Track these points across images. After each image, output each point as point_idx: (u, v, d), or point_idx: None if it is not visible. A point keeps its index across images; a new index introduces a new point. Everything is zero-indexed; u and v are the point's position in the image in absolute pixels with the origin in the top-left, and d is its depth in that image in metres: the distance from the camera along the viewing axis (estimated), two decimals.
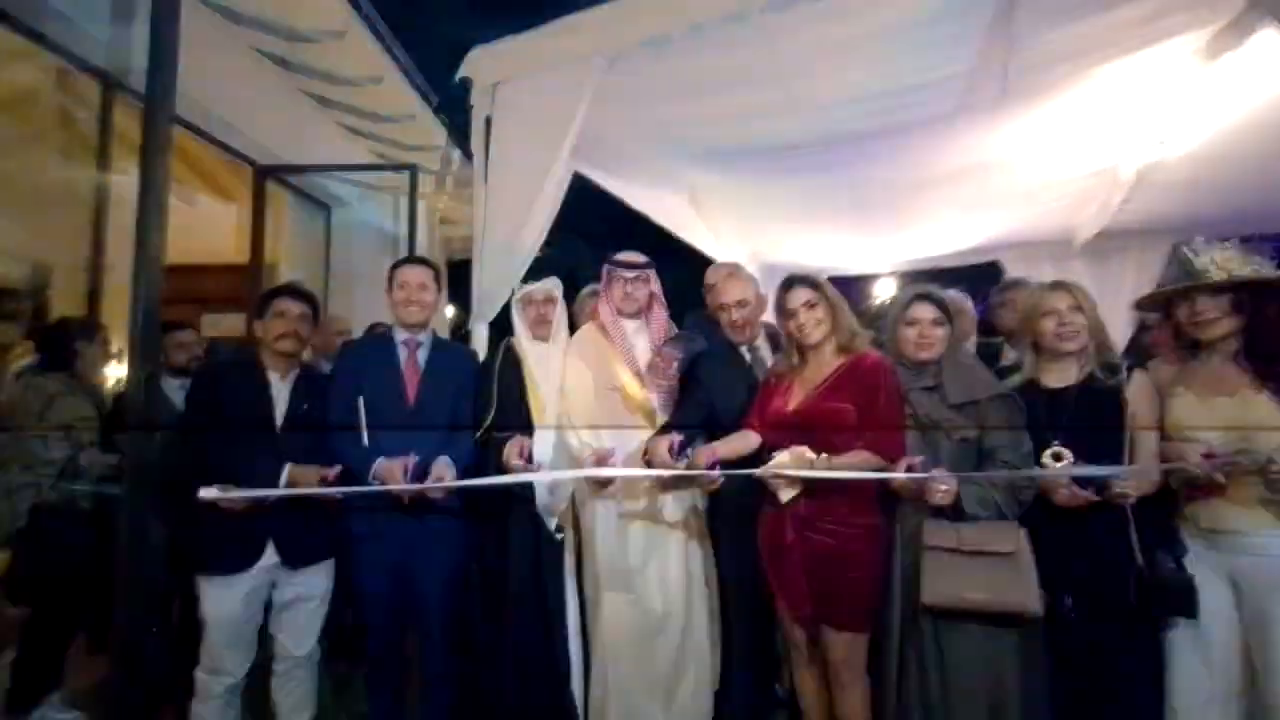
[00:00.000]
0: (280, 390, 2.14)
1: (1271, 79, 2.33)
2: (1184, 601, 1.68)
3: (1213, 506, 1.70)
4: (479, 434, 2.19)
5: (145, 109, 1.64)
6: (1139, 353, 2.65)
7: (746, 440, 2.02)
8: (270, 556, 2.07)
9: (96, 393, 2.68)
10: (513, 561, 2.17)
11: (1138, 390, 1.80)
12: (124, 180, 3.11)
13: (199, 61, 3.30)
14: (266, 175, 4.01)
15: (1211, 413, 1.71)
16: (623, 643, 2.18)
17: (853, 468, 1.80)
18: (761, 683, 2.39)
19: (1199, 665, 1.70)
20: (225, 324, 4.82)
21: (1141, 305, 2.01)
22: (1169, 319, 1.88)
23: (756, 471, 1.83)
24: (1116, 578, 1.72)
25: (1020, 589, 1.68)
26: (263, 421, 2.09)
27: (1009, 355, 2.70)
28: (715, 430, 2.12)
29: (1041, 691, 1.77)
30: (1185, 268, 1.78)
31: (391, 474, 1.99)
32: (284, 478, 2.01)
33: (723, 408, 2.19)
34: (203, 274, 5.31)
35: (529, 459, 2.07)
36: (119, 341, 2.83)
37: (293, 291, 2.22)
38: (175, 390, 2.66)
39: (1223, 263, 1.73)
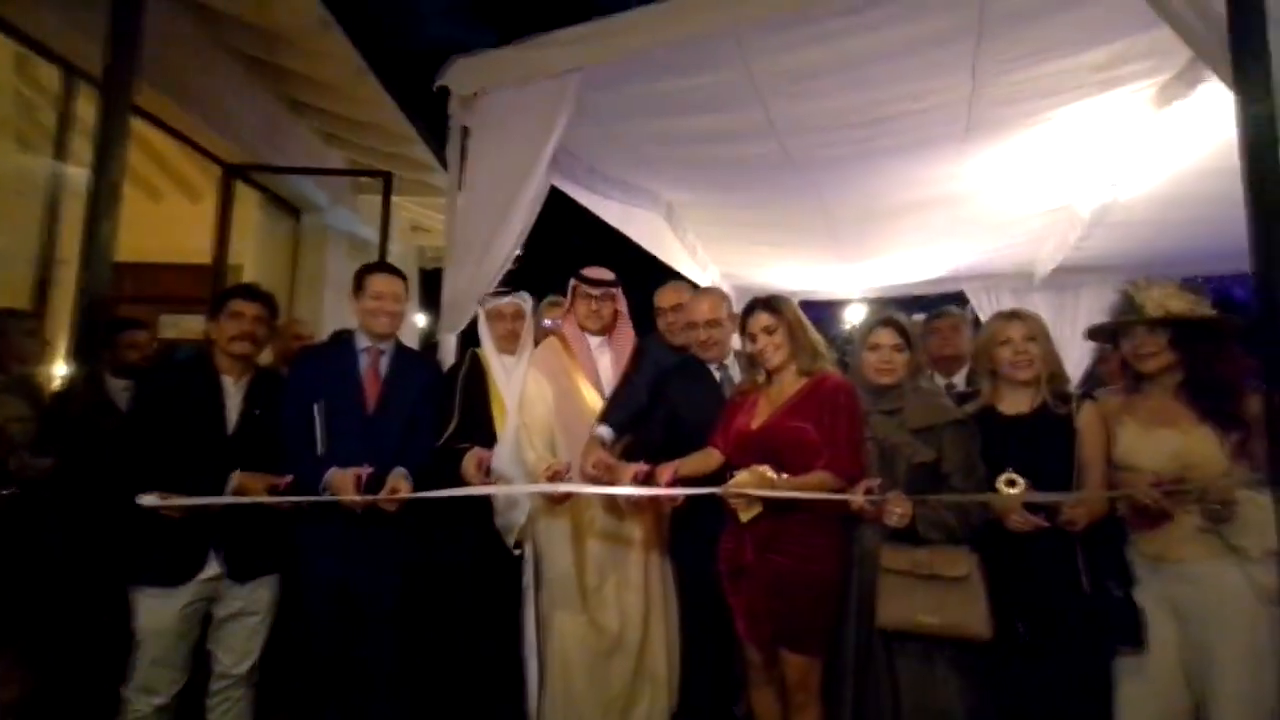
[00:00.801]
0: (233, 394, 2.06)
1: (1216, 127, 2.46)
2: (1131, 631, 1.71)
3: (1156, 536, 1.74)
4: (440, 443, 2.14)
5: (103, 95, 1.58)
6: (1095, 382, 2.74)
7: (709, 459, 2.02)
8: (213, 568, 1.97)
9: (33, 391, 2.54)
10: (469, 577, 2.11)
11: (1086, 420, 1.85)
12: (83, 172, 3.00)
13: (170, 57, 3.25)
14: (235, 175, 3.92)
15: (1154, 443, 1.77)
16: (577, 661, 2.14)
17: (812, 488, 1.81)
18: (720, 704, 2.36)
19: (1145, 692, 1.72)
20: (184, 325, 4.66)
21: (1092, 336, 2.08)
22: (1116, 350, 1.95)
23: (717, 490, 1.82)
24: (1066, 605, 1.75)
25: (971, 614, 1.70)
26: (212, 426, 2.01)
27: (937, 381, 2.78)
28: (683, 447, 2.11)
29: (988, 713, 1.79)
30: (1128, 303, 1.86)
31: (344, 485, 1.92)
32: (231, 485, 1.93)
33: (690, 426, 2.18)
34: (165, 273, 5.15)
35: (487, 472, 2.02)
36: (65, 337, 2.71)
37: (249, 292, 2.14)
38: (120, 392, 2.54)
39: (1162, 299, 1.80)
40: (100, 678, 2.06)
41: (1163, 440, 1.76)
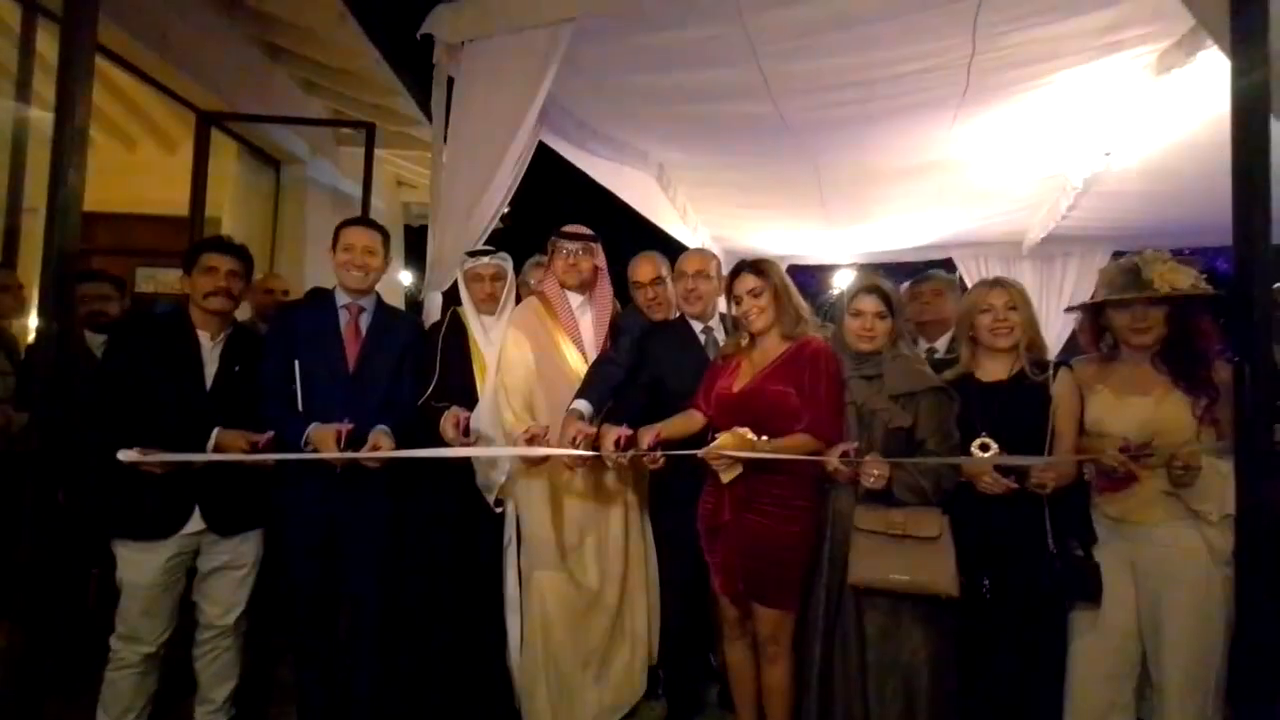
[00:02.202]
0: (210, 350, 2.03)
1: (1212, 99, 2.44)
2: (1089, 586, 1.79)
3: (1119, 498, 1.81)
4: (420, 402, 2.13)
5: (63, 32, 1.50)
6: (1075, 351, 2.77)
7: (690, 421, 2.04)
8: (197, 523, 1.99)
9: (10, 344, 2.50)
10: (449, 533, 2.14)
11: (1060, 386, 1.90)
12: (49, 116, 2.88)
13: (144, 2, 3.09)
14: (211, 124, 3.78)
15: (1126, 410, 1.82)
16: (557, 617, 2.19)
17: (792, 450, 1.84)
18: (696, 655, 2.44)
19: (1099, 644, 1.82)
20: (161, 279, 4.57)
21: (1084, 308, 2.09)
22: (1094, 322, 1.98)
23: (699, 452, 1.84)
24: (1030, 563, 1.82)
25: (940, 571, 1.77)
26: (190, 383, 1.98)
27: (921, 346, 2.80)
28: (666, 408, 2.13)
29: (949, 662, 1.89)
30: (1133, 277, 1.86)
31: (325, 441, 1.92)
32: (211, 442, 1.92)
33: (672, 387, 2.19)
34: (140, 224, 5.02)
35: (465, 431, 2.03)
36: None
37: (221, 245, 2.08)
38: (100, 347, 2.50)
39: (1168, 275, 1.82)
40: (89, 628, 2.10)
41: (1134, 407, 1.81)
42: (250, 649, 2.22)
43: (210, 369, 2.02)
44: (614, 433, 1.96)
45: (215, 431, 1.93)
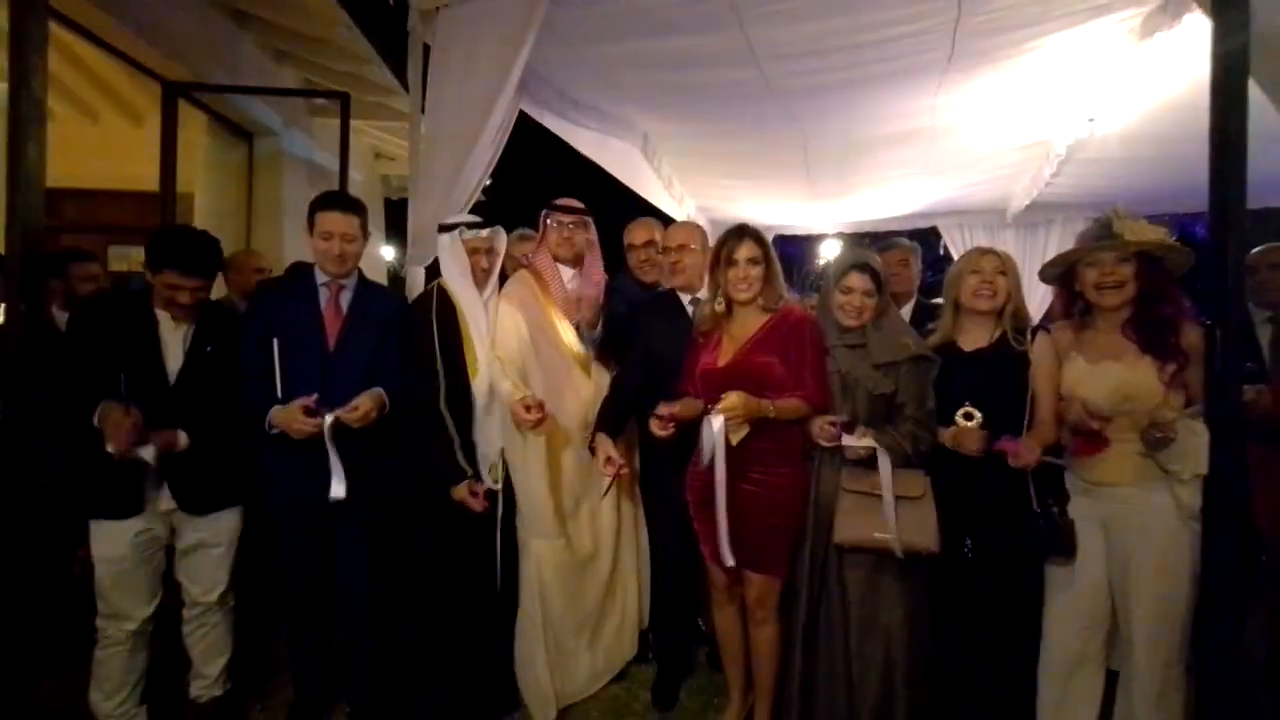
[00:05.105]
0: (174, 334, 1.97)
1: (1194, 62, 2.43)
2: (1065, 542, 1.86)
3: (1095, 461, 1.87)
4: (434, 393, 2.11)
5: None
6: (1054, 319, 2.80)
7: (693, 406, 2.03)
8: (167, 501, 1.97)
9: None
10: (444, 505, 2.13)
11: (1038, 350, 1.96)
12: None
13: None
14: (177, 94, 3.64)
15: (1099, 376, 1.86)
16: (552, 583, 2.23)
17: (792, 412, 1.89)
18: (686, 619, 2.50)
19: (1072, 598, 1.90)
20: (134, 257, 4.45)
21: (1054, 265, 2.10)
22: (1066, 287, 2.01)
23: (714, 409, 1.83)
24: (1014, 522, 1.88)
25: (924, 530, 1.83)
26: (150, 371, 1.92)
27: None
28: (658, 379, 2.13)
29: (926, 621, 1.97)
30: (1104, 230, 1.90)
31: (288, 422, 1.91)
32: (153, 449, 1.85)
33: (664, 356, 2.19)
34: (109, 200, 4.87)
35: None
36: None
37: (188, 263, 1.91)
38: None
39: (1137, 229, 1.87)
40: (78, 609, 2.09)
41: (1106, 373, 1.85)
42: (243, 622, 2.23)
43: (174, 354, 1.96)
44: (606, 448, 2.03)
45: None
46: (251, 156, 4.56)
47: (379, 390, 2.03)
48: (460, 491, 2.06)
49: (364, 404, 1.96)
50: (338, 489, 1.96)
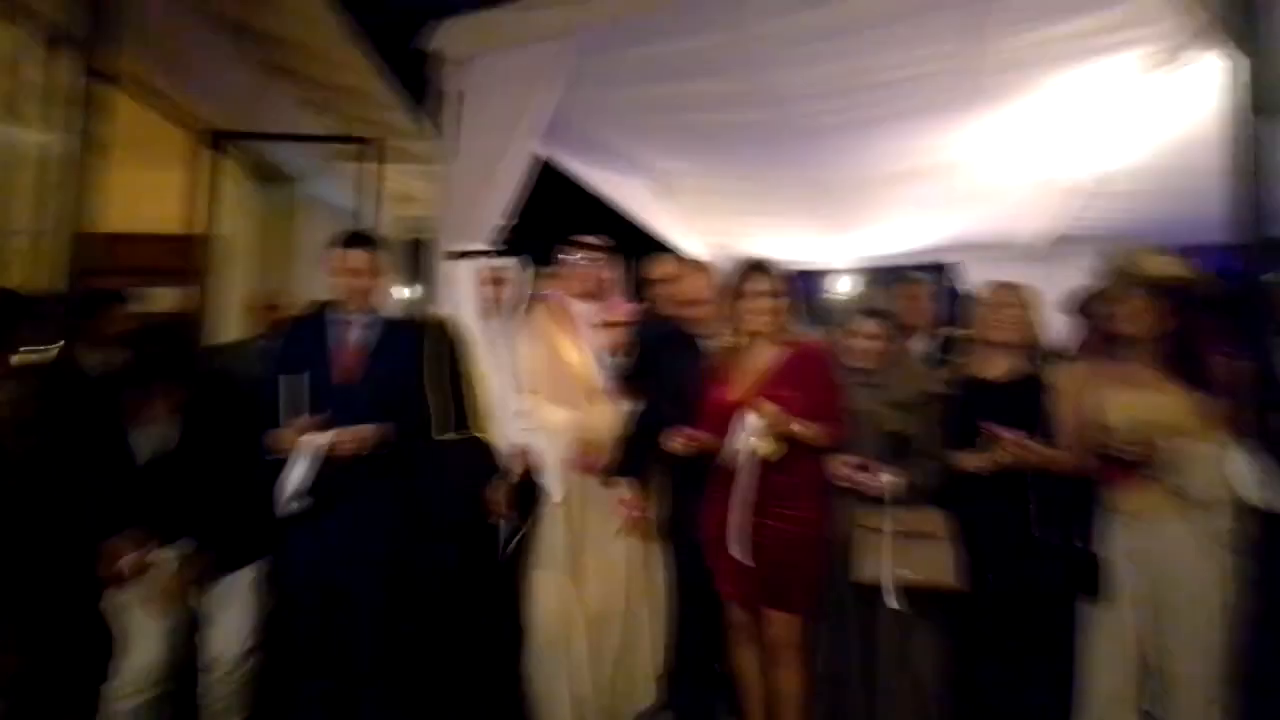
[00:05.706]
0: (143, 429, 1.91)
1: (1220, 96, 2.44)
2: (1090, 579, 1.83)
3: (1129, 494, 1.84)
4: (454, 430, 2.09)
5: (81, 60, 1.47)
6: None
7: (715, 442, 2.01)
8: None
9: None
10: (455, 572, 2.09)
11: (1063, 380, 1.97)
12: (35, 137, 2.80)
13: (144, 19, 3.06)
14: (218, 142, 3.77)
15: (1125, 405, 1.86)
16: (562, 624, 2.16)
17: (818, 440, 1.89)
18: (705, 663, 2.39)
19: (1106, 637, 1.84)
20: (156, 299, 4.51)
21: (1077, 298, 2.13)
22: (1089, 319, 2.06)
23: (755, 413, 1.83)
24: (1033, 558, 1.86)
25: (947, 567, 1.81)
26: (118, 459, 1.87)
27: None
28: (670, 418, 2.10)
29: (955, 659, 1.92)
30: (1131, 269, 1.93)
31: (279, 441, 1.88)
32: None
33: (685, 395, 2.15)
34: (133, 243, 4.98)
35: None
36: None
37: (165, 373, 1.90)
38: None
39: (1164, 266, 1.90)
40: (89, 664, 2.03)
41: (1131, 401, 1.85)
42: (258, 687, 2.12)
43: (144, 445, 1.89)
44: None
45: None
46: (277, 200, 4.68)
47: (386, 425, 1.99)
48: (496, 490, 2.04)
49: (364, 430, 1.93)
50: (294, 501, 1.90)
